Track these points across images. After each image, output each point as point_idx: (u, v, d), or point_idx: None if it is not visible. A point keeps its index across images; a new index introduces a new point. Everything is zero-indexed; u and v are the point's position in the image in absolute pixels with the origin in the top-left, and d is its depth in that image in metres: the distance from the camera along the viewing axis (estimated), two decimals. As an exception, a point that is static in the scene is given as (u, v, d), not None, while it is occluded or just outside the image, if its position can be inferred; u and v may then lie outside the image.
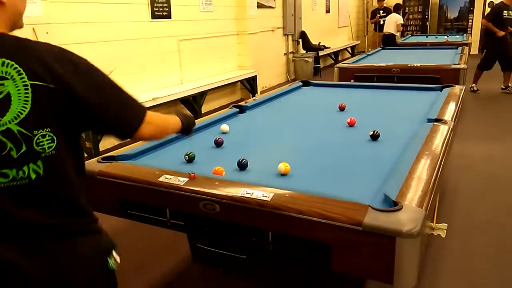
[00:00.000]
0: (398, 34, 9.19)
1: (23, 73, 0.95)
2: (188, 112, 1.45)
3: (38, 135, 0.97)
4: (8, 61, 0.95)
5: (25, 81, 0.95)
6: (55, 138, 0.99)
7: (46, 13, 3.76)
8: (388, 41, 8.77)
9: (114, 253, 1.18)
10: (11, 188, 0.96)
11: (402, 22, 9.25)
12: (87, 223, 1.12)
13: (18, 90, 0.94)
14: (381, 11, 10.33)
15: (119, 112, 1.09)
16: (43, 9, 3.71)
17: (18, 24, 1.13)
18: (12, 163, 0.95)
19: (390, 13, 9.85)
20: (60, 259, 1.04)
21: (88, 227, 1.12)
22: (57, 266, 1.04)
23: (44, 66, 0.97)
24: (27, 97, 0.95)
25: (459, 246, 2.61)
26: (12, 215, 0.97)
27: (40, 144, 0.97)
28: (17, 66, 0.95)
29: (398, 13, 9.50)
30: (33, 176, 0.97)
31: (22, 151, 0.95)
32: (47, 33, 3.76)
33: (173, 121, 1.36)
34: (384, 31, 9.26)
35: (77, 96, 1.00)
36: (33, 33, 3.63)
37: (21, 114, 0.95)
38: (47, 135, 0.98)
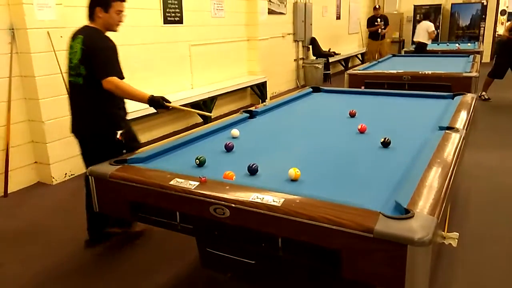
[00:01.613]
0: (429, 42, 8.55)
1: (81, 42, 2.41)
2: (158, 97, 2.35)
3: (82, 66, 2.41)
4: (82, 37, 2.43)
5: (80, 46, 2.41)
6: (85, 69, 2.41)
7: (61, 17, 3.81)
8: (420, 51, 8.25)
9: (119, 132, 2.49)
10: (76, 84, 2.48)
11: (434, 29, 8.55)
12: (107, 107, 2.50)
13: (79, 49, 2.41)
14: (378, 19, 9.95)
15: (100, 66, 2.38)
16: (57, 13, 3.77)
17: (110, 29, 2.54)
18: (75, 76, 2.47)
19: (387, 20, 9.59)
20: (89, 120, 2.54)
21: (107, 110, 2.51)
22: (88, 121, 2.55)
23: (88, 40, 2.42)
24: (81, 52, 2.40)
25: (471, 256, 2.58)
26: (75, 97, 2.56)
27: (82, 70, 2.41)
28: (82, 39, 2.42)
29: (430, 21, 8.88)
30: (80, 82, 2.45)
31: (77, 72, 2.45)
32: (61, 36, 3.81)
33: (138, 94, 2.39)
34: (414, 40, 8.68)
35: (91, 54, 2.38)
36: (47, 37, 3.69)
37: (79, 58, 2.41)
38: (83, 67, 2.41)
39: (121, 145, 2.50)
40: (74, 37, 2.47)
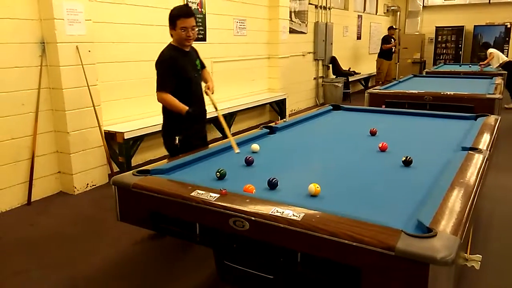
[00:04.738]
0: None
1: None
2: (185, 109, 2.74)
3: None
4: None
5: None
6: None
7: (89, 32, 3.95)
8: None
9: (177, 137, 2.77)
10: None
11: None
12: (171, 112, 2.81)
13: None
14: (392, 39, 9.98)
15: (157, 81, 2.73)
16: (86, 29, 3.91)
17: (181, 44, 2.78)
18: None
19: (394, 40, 9.74)
20: (163, 122, 2.97)
21: (171, 115, 2.83)
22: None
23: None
24: None
25: (494, 280, 2.50)
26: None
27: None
28: None
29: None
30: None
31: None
32: (89, 51, 3.94)
33: (177, 107, 2.70)
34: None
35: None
36: (76, 51, 3.82)
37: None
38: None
39: (177, 150, 2.69)
40: None
